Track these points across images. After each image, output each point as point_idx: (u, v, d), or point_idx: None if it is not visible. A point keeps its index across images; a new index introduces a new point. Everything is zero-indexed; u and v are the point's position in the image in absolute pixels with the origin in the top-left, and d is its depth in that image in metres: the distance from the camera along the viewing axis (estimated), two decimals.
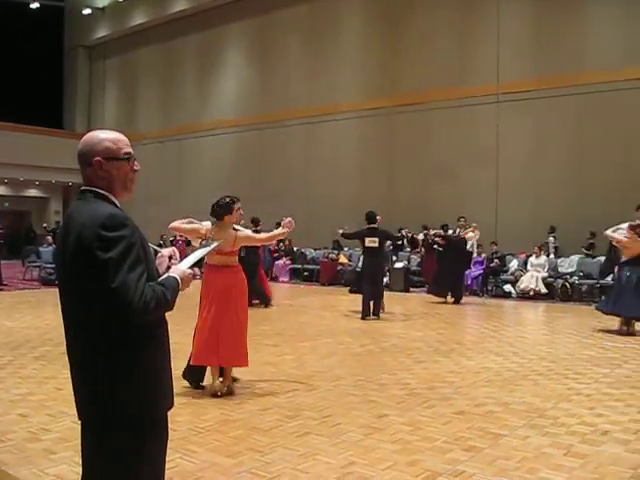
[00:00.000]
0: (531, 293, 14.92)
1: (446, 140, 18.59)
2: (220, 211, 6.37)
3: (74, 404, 2.41)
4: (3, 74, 26.45)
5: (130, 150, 2.46)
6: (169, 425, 2.52)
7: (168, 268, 2.54)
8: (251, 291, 13.13)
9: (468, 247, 16.20)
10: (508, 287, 15.56)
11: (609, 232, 10.68)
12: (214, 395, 6.13)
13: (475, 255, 16.45)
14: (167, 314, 2.46)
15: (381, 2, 20.35)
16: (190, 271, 2.53)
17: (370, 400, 6.10)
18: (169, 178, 25.51)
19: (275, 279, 19.09)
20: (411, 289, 16.51)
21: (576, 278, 14.81)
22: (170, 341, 2.54)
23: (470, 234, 14.71)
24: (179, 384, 6.11)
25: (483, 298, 15.44)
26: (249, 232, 6.57)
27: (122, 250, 2.21)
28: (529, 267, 15.39)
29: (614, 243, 10.91)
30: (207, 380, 6.36)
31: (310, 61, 21.93)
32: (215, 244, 3.48)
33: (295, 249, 19.71)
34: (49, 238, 20.13)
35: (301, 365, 7.64)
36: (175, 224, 6.47)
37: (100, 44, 29.77)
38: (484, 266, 16.05)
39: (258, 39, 23.48)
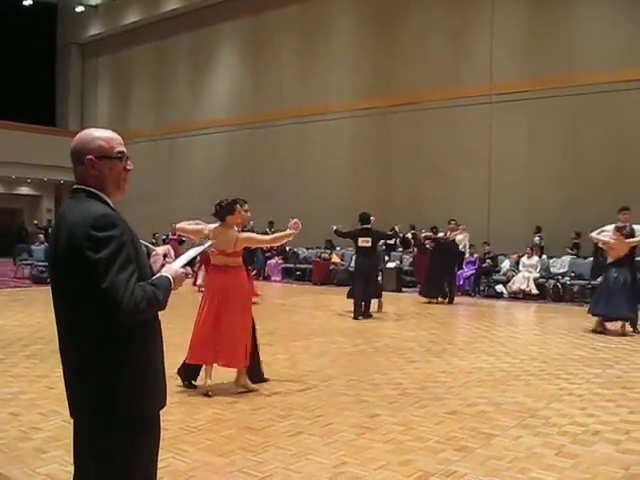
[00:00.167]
0: (520, 295, 14.96)
1: (439, 140, 18.62)
2: (222, 212, 6.35)
3: (66, 403, 2.40)
4: None
5: (123, 149, 2.45)
6: (161, 424, 2.52)
7: (162, 266, 2.53)
8: None
9: (460, 248, 16.25)
10: (500, 287, 15.59)
11: (594, 234, 10.76)
12: (205, 394, 6.12)
13: (467, 255, 16.49)
14: (159, 313, 2.45)
15: (374, 2, 20.36)
16: (183, 270, 2.52)
17: (362, 400, 6.10)
18: (161, 177, 25.48)
19: (267, 278, 19.09)
20: (403, 289, 16.53)
21: (568, 278, 14.86)
22: (163, 340, 2.53)
23: (459, 237, 14.76)
24: (172, 383, 6.09)
25: (475, 298, 15.48)
26: (252, 234, 6.52)
27: (112, 250, 2.20)
28: (521, 267, 15.43)
29: (600, 245, 10.98)
30: (200, 379, 6.35)
31: (302, 61, 21.93)
32: (208, 243, 3.47)
33: (287, 248, 19.69)
34: (41, 236, 20.07)
35: (293, 365, 7.64)
36: (181, 225, 6.51)
37: (93, 42, 29.69)
38: (476, 266, 16.08)
39: (250, 39, 23.47)
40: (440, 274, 14.27)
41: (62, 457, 4.36)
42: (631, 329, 10.27)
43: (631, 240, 10.30)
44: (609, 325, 10.38)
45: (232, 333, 6.16)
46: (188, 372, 6.39)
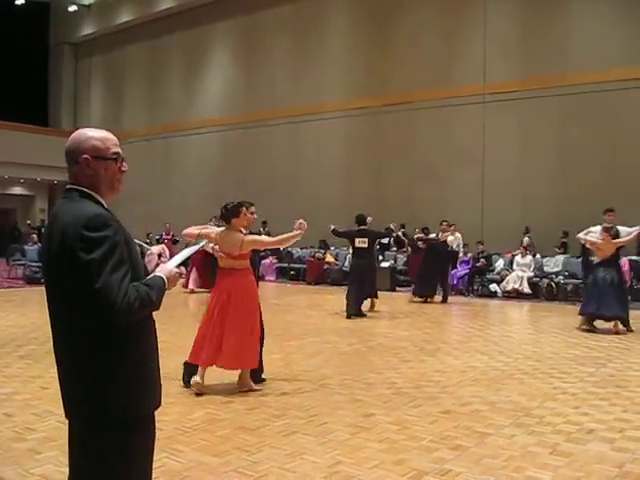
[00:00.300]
0: (514, 294, 14.99)
1: (433, 140, 18.64)
2: (227, 214, 6.37)
3: (60, 403, 2.39)
4: None
5: (118, 150, 2.44)
6: (156, 424, 2.51)
7: (157, 266, 2.52)
8: None
9: (454, 247, 16.28)
10: (494, 286, 15.62)
11: (581, 235, 10.93)
12: (197, 394, 6.11)
13: (461, 255, 16.52)
14: (153, 313, 2.44)
15: (367, 2, 20.38)
16: (177, 270, 2.52)
17: (357, 399, 6.10)
18: (155, 176, 25.43)
19: (262, 278, 19.07)
20: (397, 288, 16.54)
21: (561, 278, 14.90)
22: (157, 340, 2.53)
23: (450, 238, 14.80)
24: (166, 383, 6.07)
25: (469, 297, 15.50)
26: (257, 236, 6.52)
27: (105, 251, 2.20)
28: (515, 267, 15.46)
29: (587, 245, 11.11)
30: (193, 379, 6.34)
31: (296, 60, 21.92)
32: (202, 243, 3.48)
33: (281, 248, 19.68)
34: (34, 236, 20.01)
35: (288, 364, 7.64)
36: (188, 230, 6.55)
37: (86, 41, 29.62)
38: (470, 265, 16.11)
39: (244, 38, 23.44)
40: (432, 274, 14.31)
41: (56, 458, 4.35)
42: (623, 327, 10.31)
43: (618, 241, 10.47)
44: (605, 325, 10.43)
45: (234, 335, 6.17)
46: (188, 371, 6.39)
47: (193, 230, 6.50)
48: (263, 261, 19.50)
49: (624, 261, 13.89)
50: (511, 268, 15.55)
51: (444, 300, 14.31)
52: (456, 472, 4.27)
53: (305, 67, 21.61)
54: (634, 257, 14.22)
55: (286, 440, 4.89)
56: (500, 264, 16.03)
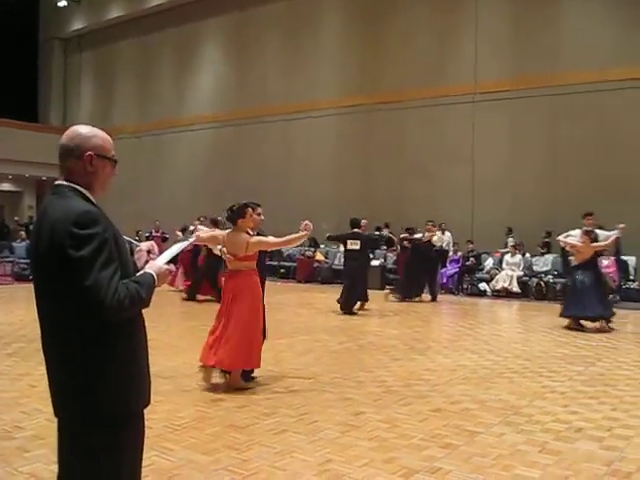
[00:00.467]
0: (503, 293, 15.02)
1: (423, 138, 18.65)
2: (233, 216, 6.38)
3: (49, 401, 2.38)
4: None
5: (114, 153, 2.48)
6: (145, 422, 2.50)
7: (147, 262, 2.51)
8: (211, 288, 13.59)
9: (443, 246, 16.32)
10: (483, 285, 15.66)
11: (561, 237, 11.14)
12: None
13: (451, 253, 16.56)
14: (143, 311, 2.43)
15: (360, 0, 20.36)
16: (167, 267, 2.50)
17: (347, 398, 6.10)
18: (145, 173, 25.30)
19: None
20: (387, 287, 16.53)
21: (550, 277, 14.94)
22: (147, 338, 2.52)
23: (435, 238, 14.83)
24: (156, 381, 6.06)
25: (458, 296, 15.53)
26: (263, 237, 6.51)
27: (94, 248, 2.19)
28: (504, 266, 15.50)
29: (567, 248, 11.29)
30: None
31: (288, 58, 21.88)
32: (191, 239, 3.49)
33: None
34: (22, 233, 19.91)
35: (278, 362, 7.62)
36: (197, 234, 6.76)
37: (76, 37, 29.42)
38: (460, 264, 16.14)
39: (236, 35, 23.36)
40: (418, 274, 14.31)
41: (46, 456, 4.32)
42: (606, 324, 10.43)
43: (596, 244, 10.68)
44: (587, 324, 10.50)
45: (236, 335, 6.20)
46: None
47: (201, 234, 6.75)
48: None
49: (611, 261, 14.00)
50: (500, 267, 15.60)
51: (433, 299, 14.34)
52: (446, 470, 4.27)
53: (297, 64, 21.57)
54: (623, 257, 14.27)
55: (276, 438, 4.88)
56: (489, 263, 16.07)
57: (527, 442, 4.87)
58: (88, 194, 2.39)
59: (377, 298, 14.05)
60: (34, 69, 30.58)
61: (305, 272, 18.41)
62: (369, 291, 12.84)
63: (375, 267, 16.61)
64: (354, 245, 12.22)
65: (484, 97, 17.48)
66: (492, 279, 15.50)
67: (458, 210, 17.50)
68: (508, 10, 17.54)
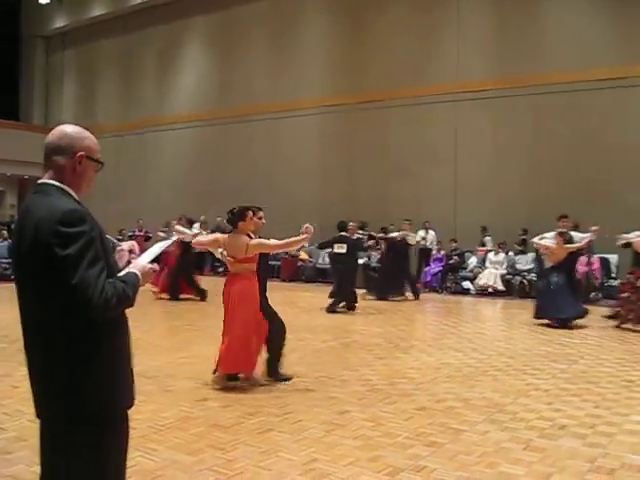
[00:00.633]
0: (487, 292, 15.09)
1: (407, 138, 18.67)
2: (233, 218, 6.40)
3: (30, 402, 2.35)
4: None
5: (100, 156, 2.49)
6: (129, 423, 2.49)
7: (128, 262, 2.50)
8: (189, 287, 13.61)
9: (427, 245, 16.39)
10: (467, 284, 15.72)
11: (536, 239, 11.32)
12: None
13: (434, 252, 16.60)
14: (126, 310, 2.42)
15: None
16: (150, 266, 2.50)
17: (331, 396, 6.10)
18: (128, 172, 25.12)
19: None
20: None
21: (533, 275, 15.03)
22: (130, 338, 2.50)
23: (409, 237, 14.86)
24: (139, 381, 6.02)
25: (442, 295, 15.58)
26: (263, 240, 6.51)
27: (81, 246, 2.18)
28: (488, 264, 15.58)
29: (541, 250, 11.44)
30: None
31: (273, 57, 21.83)
32: (173, 238, 3.49)
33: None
34: (4, 232, 19.73)
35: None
36: (197, 239, 6.83)
37: (58, 35, 29.17)
38: (443, 263, 16.19)
39: (220, 33, 23.27)
40: (395, 273, 14.31)
41: (28, 457, 4.27)
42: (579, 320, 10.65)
43: (570, 246, 10.86)
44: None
45: (228, 339, 6.23)
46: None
47: (201, 238, 6.83)
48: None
49: (595, 259, 14.12)
50: (484, 266, 15.66)
51: (416, 297, 14.36)
52: (431, 468, 4.28)
53: (282, 64, 21.52)
54: (606, 255, 14.39)
55: (261, 438, 4.87)
56: (473, 262, 16.14)
57: (511, 439, 4.89)
58: (73, 193, 2.38)
59: (360, 296, 14.04)
60: (16, 67, 30.30)
61: (289, 271, 18.39)
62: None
63: (359, 265, 16.62)
64: (341, 249, 12.27)
65: (467, 96, 17.54)
66: (475, 277, 15.57)
67: (441, 209, 17.55)
68: (490, 10, 17.61)
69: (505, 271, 15.29)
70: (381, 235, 15.21)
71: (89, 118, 26.00)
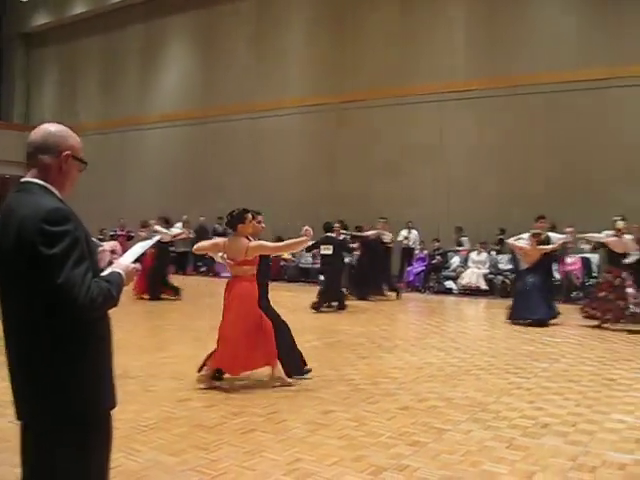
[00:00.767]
0: (469, 291, 15.14)
1: (391, 138, 18.69)
2: (233, 221, 6.42)
3: (11, 403, 2.32)
4: None
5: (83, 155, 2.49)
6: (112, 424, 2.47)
7: (110, 263, 2.49)
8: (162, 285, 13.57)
9: (411, 244, 16.42)
10: (449, 283, 15.78)
11: (511, 241, 11.51)
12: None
13: (417, 252, 16.65)
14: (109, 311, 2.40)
15: None
16: (134, 265, 2.49)
17: (315, 396, 6.10)
18: (110, 171, 24.90)
19: (217, 275, 18.95)
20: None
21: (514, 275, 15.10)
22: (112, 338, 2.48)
23: (385, 238, 14.87)
24: (121, 382, 5.99)
25: (425, 294, 15.62)
26: (263, 241, 6.55)
27: (66, 245, 2.16)
28: (470, 264, 15.64)
29: (516, 251, 11.56)
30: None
31: (255, 56, 21.77)
32: (156, 238, 3.47)
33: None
34: None
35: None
36: (198, 245, 6.86)
37: (39, 32, 28.93)
38: (426, 262, 16.23)
39: (203, 32, 23.20)
40: (372, 273, 14.29)
41: (10, 459, 4.19)
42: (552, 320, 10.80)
43: (543, 247, 11.01)
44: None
45: (221, 340, 6.31)
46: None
47: (202, 243, 6.86)
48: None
49: (576, 259, 14.23)
50: (466, 265, 15.73)
51: (397, 296, 14.34)
52: (414, 467, 4.29)
53: (264, 63, 21.47)
54: (587, 254, 14.51)
55: (244, 438, 4.86)
56: (456, 261, 16.19)
57: (494, 438, 4.91)
58: (57, 192, 2.36)
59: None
60: None
61: (272, 271, 18.34)
62: None
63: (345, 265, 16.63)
64: (327, 250, 12.28)
65: (452, 96, 17.59)
66: (458, 277, 15.63)
67: (425, 209, 17.60)
68: (477, 10, 17.68)
69: (487, 270, 15.36)
70: (355, 234, 15.20)
71: (70, 117, 25.77)
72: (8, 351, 2.30)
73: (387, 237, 15.26)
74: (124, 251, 2.62)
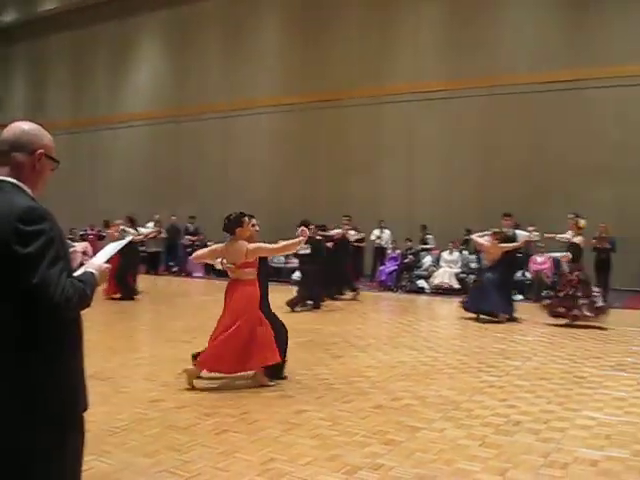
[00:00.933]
0: (442, 290, 15.19)
1: (364, 138, 18.76)
2: (231, 225, 6.43)
3: None
4: None
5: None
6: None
7: (81, 264, 2.46)
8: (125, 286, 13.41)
9: (383, 244, 16.45)
10: (422, 282, 15.83)
11: (475, 237, 11.67)
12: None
13: (389, 251, 16.70)
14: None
15: None
16: (107, 266, 2.48)
17: (288, 396, 6.09)
18: (80, 170, 24.63)
19: (189, 275, 18.85)
20: None
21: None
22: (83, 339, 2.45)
23: (350, 237, 14.88)
24: (91, 383, 5.92)
25: (397, 293, 15.66)
26: (261, 243, 6.53)
27: (42, 245, 2.14)
28: (442, 263, 15.72)
29: (478, 247, 11.68)
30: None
31: (227, 55, 21.70)
32: (128, 238, 3.46)
33: (210, 244, 19.42)
34: None
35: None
36: (196, 254, 6.95)
37: (8, 29, 28.50)
38: (399, 262, 16.28)
39: (175, 31, 23.06)
40: (337, 271, 14.23)
41: None
42: (504, 316, 10.95)
43: (503, 245, 11.14)
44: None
45: (218, 340, 6.26)
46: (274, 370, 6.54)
47: (200, 252, 6.94)
48: (191, 257, 19.23)
49: (546, 258, 14.36)
50: (438, 264, 15.80)
51: (355, 294, 14.16)
52: (389, 466, 4.30)
53: (237, 62, 21.41)
54: (556, 254, 14.65)
55: (218, 438, 4.83)
56: (428, 261, 16.26)
57: (468, 436, 4.94)
58: (29, 191, 2.33)
59: None
60: None
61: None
62: None
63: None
64: (304, 250, 12.19)
65: (422, 97, 17.71)
66: (430, 276, 15.69)
67: (397, 208, 17.69)
68: (446, 11, 17.82)
69: (459, 270, 15.45)
70: (320, 233, 15.16)
71: (40, 115, 25.42)
72: None
73: (353, 236, 15.25)
74: (95, 251, 2.60)
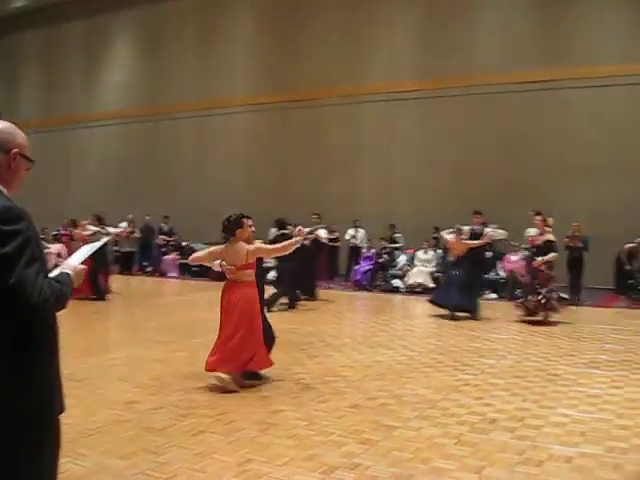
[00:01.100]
0: (417, 289, 15.24)
1: (340, 137, 18.78)
2: (230, 226, 6.41)
3: None
4: None
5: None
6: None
7: (55, 265, 2.44)
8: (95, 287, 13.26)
9: (358, 243, 16.49)
10: (396, 282, 15.88)
11: (443, 233, 11.97)
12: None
13: (364, 250, 16.73)
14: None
15: None
16: (82, 267, 2.48)
17: (264, 396, 6.08)
18: (53, 170, 24.23)
19: (163, 275, 18.72)
20: None
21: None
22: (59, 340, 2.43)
23: (321, 232, 14.89)
24: (66, 385, 5.86)
25: (372, 293, 15.69)
26: (260, 244, 6.59)
27: (19, 245, 2.12)
28: (416, 262, 15.78)
29: (444, 244, 11.90)
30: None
31: (201, 54, 21.59)
32: (104, 239, 3.42)
33: (184, 244, 19.33)
34: None
35: (192, 362, 7.47)
36: (194, 256, 6.92)
37: None
38: (373, 261, 16.31)
39: (148, 29, 22.88)
40: (303, 273, 14.18)
41: None
42: (470, 315, 11.19)
43: (468, 242, 11.39)
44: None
45: (220, 341, 6.35)
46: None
47: (198, 254, 6.88)
48: (165, 257, 19.13)
49: (520, 257, 14.47)
50: (413, 264, 15.86)
51: (314, 297, 14.01)
52: (365, 466, 4.31)
53: (211, 61, 21.31)
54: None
55: (194, 440, 4.81)
56: (402, 260, 16.31)
57: (444, 435, 4.97)
58: (5, 191, 2.30)
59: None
60: None
61: (218, 270, 18.17)
62: None
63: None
64: None
65: (398, 96, 17.77)
66: (405, 276, 15.74)
67: (373, 208, 17.74)
68: (421, 13, 17.88)
69: (434, 269, 15.51)
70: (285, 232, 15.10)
71: (11, 114, 25.05)
72: None
73: (322, 234, 15.21)
74: (69, 251, 2.59)
